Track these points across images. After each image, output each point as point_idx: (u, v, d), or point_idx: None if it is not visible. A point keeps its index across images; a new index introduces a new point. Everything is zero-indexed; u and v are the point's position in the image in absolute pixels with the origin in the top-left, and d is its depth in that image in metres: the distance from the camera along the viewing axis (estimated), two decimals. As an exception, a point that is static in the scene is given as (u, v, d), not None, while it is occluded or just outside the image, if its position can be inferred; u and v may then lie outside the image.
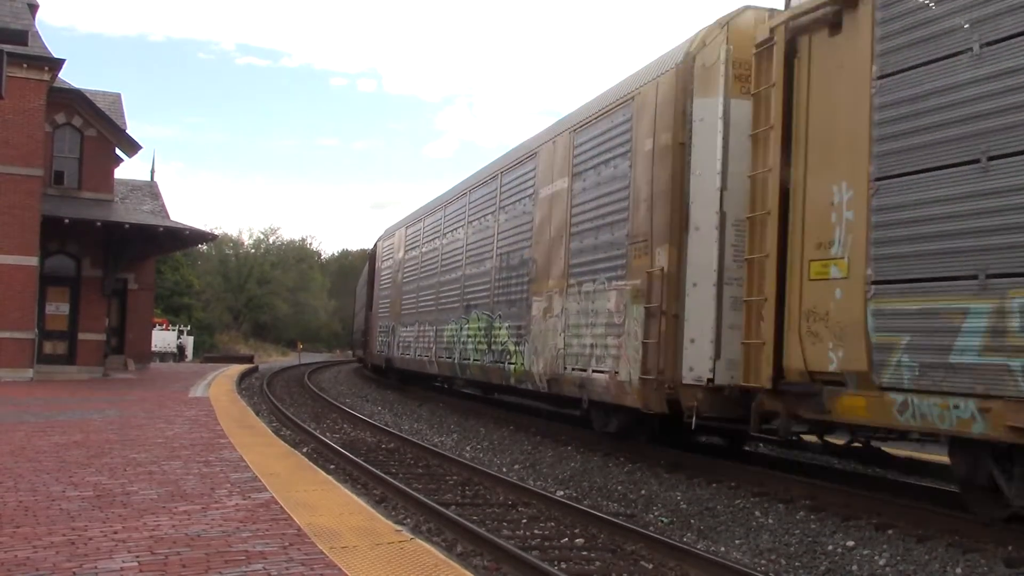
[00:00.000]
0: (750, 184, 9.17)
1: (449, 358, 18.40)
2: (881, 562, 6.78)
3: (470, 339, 16.90)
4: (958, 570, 6.47)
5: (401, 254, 24.59)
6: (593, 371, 11.43)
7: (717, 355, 9.41)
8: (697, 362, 9.54)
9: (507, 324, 14.92)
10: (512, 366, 14.51)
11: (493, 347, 15.56)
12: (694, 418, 9.56)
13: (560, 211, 13.04)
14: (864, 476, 10.25)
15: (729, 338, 9.40)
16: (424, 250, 21.73)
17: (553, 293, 12.97)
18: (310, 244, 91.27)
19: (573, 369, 12.05)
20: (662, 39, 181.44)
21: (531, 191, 14.38)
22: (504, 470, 11.29)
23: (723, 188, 9.59)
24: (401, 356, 23.40)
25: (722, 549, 7.35)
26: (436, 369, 19.85)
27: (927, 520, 7.53)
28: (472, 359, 16.80)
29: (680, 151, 9.94)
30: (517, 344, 14.30)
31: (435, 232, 20.82)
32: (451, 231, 19.33)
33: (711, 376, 9.43)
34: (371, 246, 32.11)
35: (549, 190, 13.58)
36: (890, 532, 7.40)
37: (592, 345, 11.52)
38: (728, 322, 9.47)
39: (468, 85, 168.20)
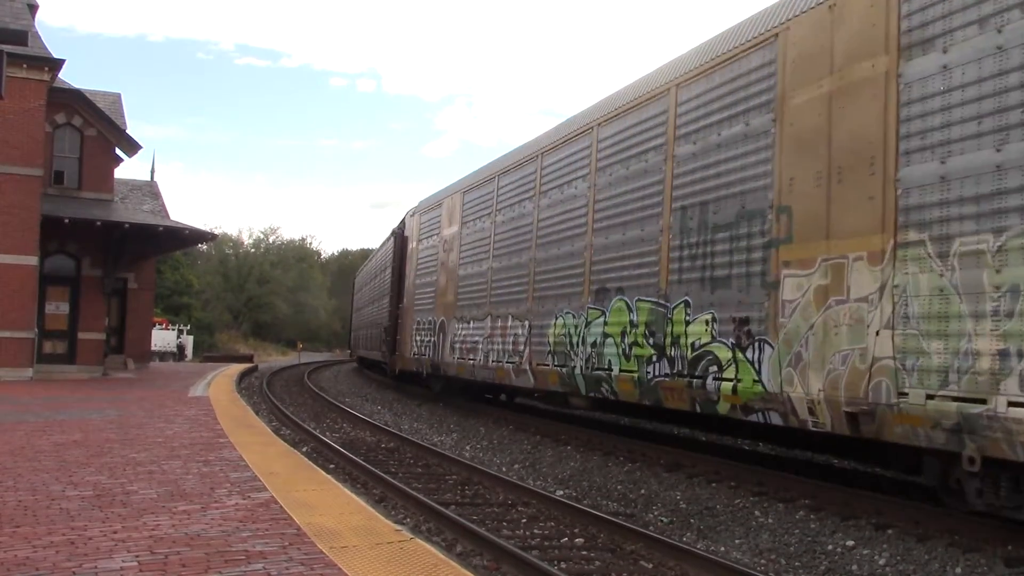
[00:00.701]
0: None
1: (561, 366, 13.06)
2: (881, 562, 6.78)
3: (609, 339, 11.70)
4: (958, 570, 6.47)
5: (455, 228, 19.01)
6: (1012, 404, 6.26)
7: None
8: None
9: (708, 315, 9.69)
10: (725, 383, 9.25)
11: (671, 352, 10.29)
12: None
13: (862, 118, 7.80)
14: (864, 475, 10.25)
15: None
16: (500, 219, 16.27)
17: (847, 261, 7.83)
18: (310, 244, 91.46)
19: (931, 397, 6.86)
20: (662, 39, 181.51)
21: (765, 100, 9.16)
22: (504, 469, 11.28)
23: None
24: (459, 362, 17.73)
25: (722, 549, 7.35)
26: (531, 381, 14.31)
27: (927, 520, 7.52)
28: (617, 369, 11.39)
29: None
30: (738, 348, 9.13)
31: (521, 193, 15.49)
32: (555, 188, 14.05)
33: None
34: (397, 223, 25.73)
35: (821, 89, 8.36)
36: (890, 532, 7.41)
37: (1006, 353, 6.35)
38: None
39: (468, 85, 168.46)
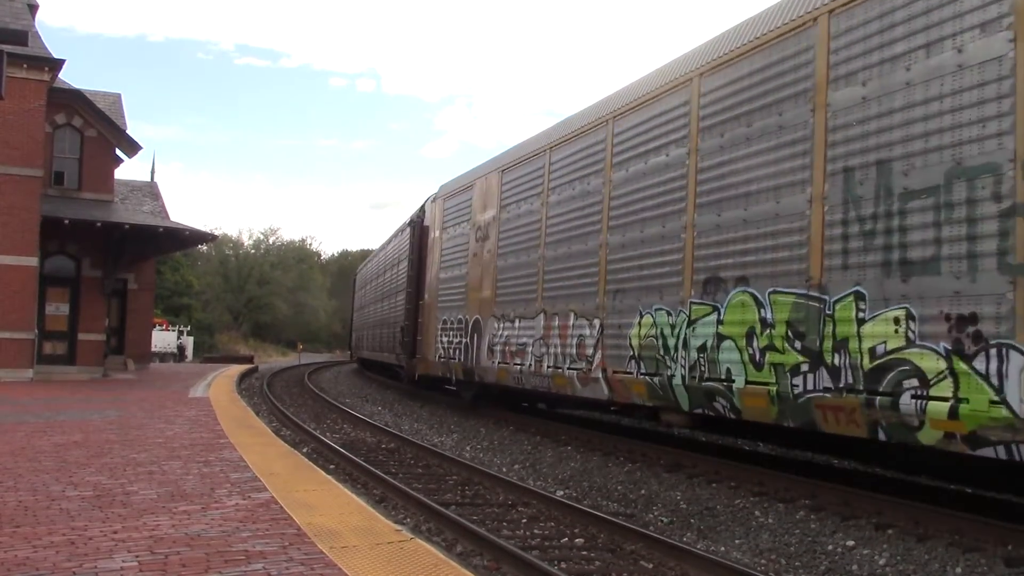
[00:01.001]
0: None
1: (650, 375, 10.69)
2: (881, 562, 6.78)
3: (727, 341, 9.34)
4: (958, 570, 6.47)
5: (492, 213, 16.47)
6: None
7: None
8: None
9: (898, 311, 7.30)
10: (934, 404, 6.86)
11: (833, 359, 7.87)
12: None
13: None
14: (864, 475, 10.25)
15: None
16: (555, 200, 13.82)
17: None
18: (310, 244, 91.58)
19: None
20: (661, 39, 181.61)
21: (994, 15, 6.83)
22: (504, 470, 11.29)
23: None
24: (499, 367, 15.29)
25: (722, 549, 7.35)
26: (604, 392, 11.82)
27: (927, 520, 7.52)
28: (741, 380, 9.03)
29: None
30: (959, 355, 6.71)
31: (584, 167, 12.99)
32: (635, 158, 11.51)
33: None
34: (417, 209, 22.86)
35: None
36: (890, 532, 7.41)
37: None
38: None
39: (467, 85, 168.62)
